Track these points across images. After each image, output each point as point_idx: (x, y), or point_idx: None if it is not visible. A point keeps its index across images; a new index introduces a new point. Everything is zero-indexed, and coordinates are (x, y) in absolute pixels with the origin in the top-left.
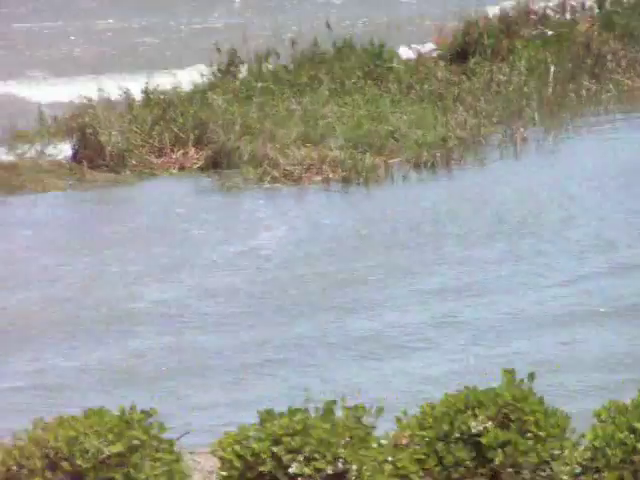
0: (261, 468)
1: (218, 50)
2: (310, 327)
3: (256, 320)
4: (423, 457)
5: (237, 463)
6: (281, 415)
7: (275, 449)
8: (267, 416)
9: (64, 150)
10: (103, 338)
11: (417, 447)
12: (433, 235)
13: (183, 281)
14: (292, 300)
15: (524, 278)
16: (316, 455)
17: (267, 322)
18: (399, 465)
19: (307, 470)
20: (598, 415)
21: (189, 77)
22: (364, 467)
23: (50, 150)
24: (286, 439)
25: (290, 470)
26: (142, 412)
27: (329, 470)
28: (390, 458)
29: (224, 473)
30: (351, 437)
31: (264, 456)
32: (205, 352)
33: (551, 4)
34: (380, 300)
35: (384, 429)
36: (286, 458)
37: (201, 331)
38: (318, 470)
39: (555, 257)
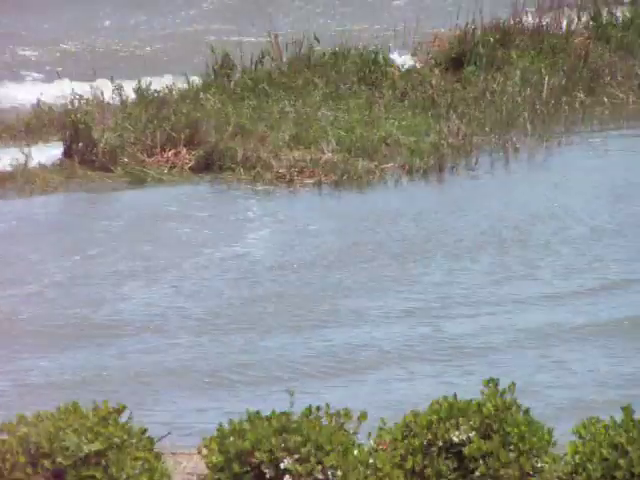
0: (257, 455)
1: (212, 51)
2: (290, 335)
3: (237, 326)
4: (403, 463)
5: (221, 458)
6: (268, 417)
7: (273, 441)
8: (255, 417)
9: (56, 146)
10: (84, 338)
11: (399, 453)
12: (422, 244)
13: (167, 282)
14: (275, 307)
15: (511, 292)
16: (312, 458)
17: (248, 328)
18: (380, 467)
19: (299, 468)
20: (578, 432)
21: (183, 81)
22: (349, 473)
23: (42, 145)
24: (287, 436)
25: (282, 465)
26: (113, 409)
27: (319, 474)
28: (371, 460)
29: (214, 458)
30: (336, 442)
31: (262, 447)
32: (186, 355)
33: (547, 16)
34: (363, 311)
35: (363, 438)
36: (280, 454)
37: (182, 333)
38: (310, 473)
39: (543, 271)
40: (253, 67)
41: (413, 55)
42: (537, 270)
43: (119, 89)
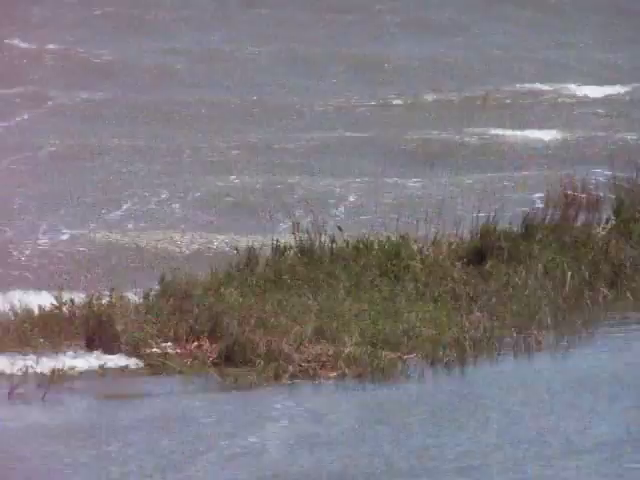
0: None
1: (236, 251)
2: None
3: None
4: None
5: None
6: None
7: None
8: None
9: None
10: None
11: None
12: (435, 441)
13: (184, 477)
14: None
15: None
16: None
17: None
18: None
19: None
20: None
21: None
22: None
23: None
24: None
25: None
26: None
27: None
28: None
29: None
30: None
31: None
32: None
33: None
34: None
35: None
36: None
37: None
38: None
39: None
40: (276, 260)
41: (435, 247)
42: None
43: (147, 294)
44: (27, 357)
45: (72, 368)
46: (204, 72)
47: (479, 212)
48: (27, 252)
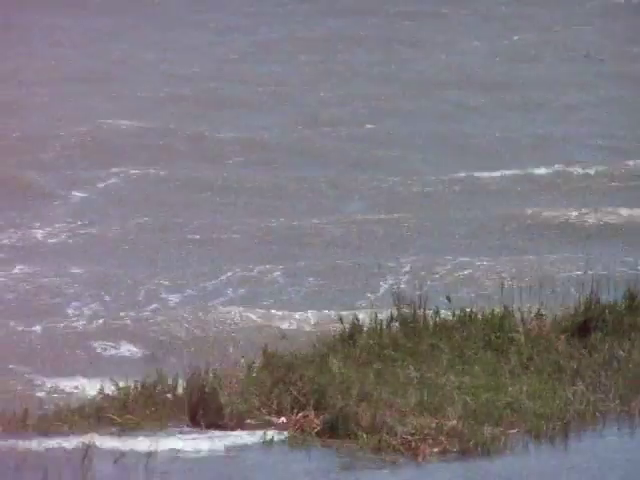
0: None
1: (340, 320)
2: None
3: None
4: None
5: None
6: None
7: None
8: None
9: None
10: None
11: None
12: None
13: None
14: None
15: None
16: None
17: None
18: None
19: None
20: None
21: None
22: None
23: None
24: None
25: None
26: None
27: None
28: None
29: None
30: None
31: None
32: None
33: None
34: None
35: None
36: None
37: None
38: None
39: None
40: (379, 332)
41: (539, 320)
42: None
43: (250, 366)
44: (130, 430)
45: (176, 445)
46: (302, 149)
47: (583, 284)
48: (127, 319)
